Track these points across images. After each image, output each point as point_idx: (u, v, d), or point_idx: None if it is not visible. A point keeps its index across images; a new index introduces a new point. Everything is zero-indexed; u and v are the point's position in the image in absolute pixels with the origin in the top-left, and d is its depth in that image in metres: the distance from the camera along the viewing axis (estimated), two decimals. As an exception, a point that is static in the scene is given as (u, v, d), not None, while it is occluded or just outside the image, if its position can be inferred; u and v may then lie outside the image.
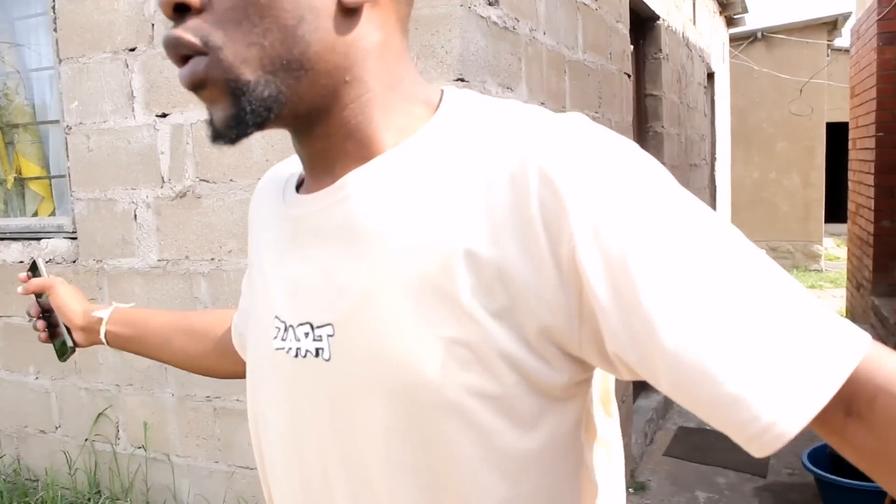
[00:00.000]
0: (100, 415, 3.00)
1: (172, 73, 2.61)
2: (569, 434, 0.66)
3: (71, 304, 1.14)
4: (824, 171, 10.73)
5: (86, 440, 3.04)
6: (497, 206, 0.59)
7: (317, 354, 0.67)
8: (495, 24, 2.36)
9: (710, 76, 7.88)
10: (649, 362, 0.57)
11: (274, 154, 2.46)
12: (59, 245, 3.02)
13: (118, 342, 1.14)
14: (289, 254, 0.72)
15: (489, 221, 0.60)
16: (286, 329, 0.70)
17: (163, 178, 2.69)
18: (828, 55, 10.50)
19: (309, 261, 0.69)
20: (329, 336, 0.66)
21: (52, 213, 3.22)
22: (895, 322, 4.93)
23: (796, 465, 3.96)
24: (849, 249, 7.36)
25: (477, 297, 0.60)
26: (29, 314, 1.17)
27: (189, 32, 0.62)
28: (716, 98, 8.27)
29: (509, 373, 0.61)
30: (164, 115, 2.65)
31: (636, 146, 0.62)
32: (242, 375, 0.91)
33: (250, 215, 0.85)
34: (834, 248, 12.42)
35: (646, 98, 4.90)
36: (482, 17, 2.27)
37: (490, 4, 2.33)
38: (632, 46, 4.20)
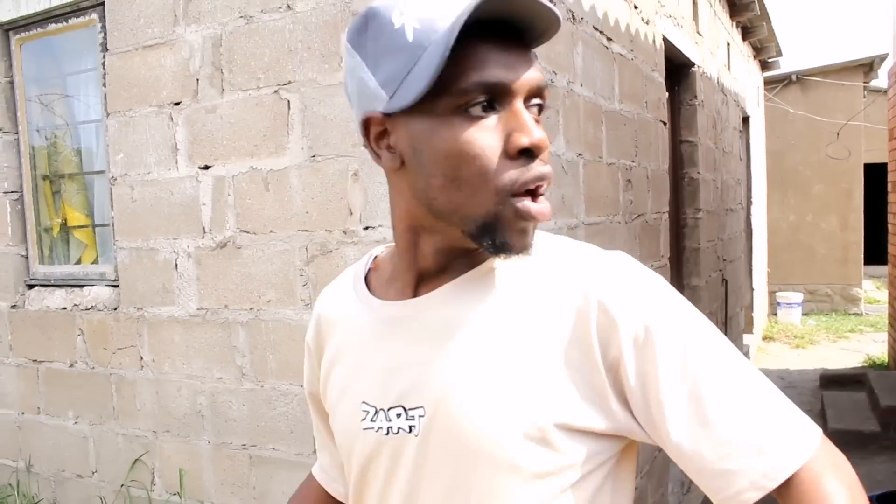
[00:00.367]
0: (136, 461, 3.02)
1: (215, 126, 2.68)
2: (595, 482, 0.83)
3: None
4: (863, 213, 10.58)
5: (122, 486, 3.06)
6: (565, 325, 0.79)
7: (409, 431, 0.83)
8: (532, 78, 2.38)
9: (746, 120, 7.85)
10: (659, 438, 0.79)
11: (314, 206, 2.50)
12: (101, 292, 3.08)
13: None
14: (375, 348, 0.88)
15: (558, 335, 0.79)
16: (376, 412, 0.86)
17: (204, 228, 2.74)
18: (864, 96, 10.41)
19: (400, 354, 0.85)
20: (420, 416, 0.82)
21: (95, 261, 3.28)
22: (941, 371, 4.81)
23: None
24: (890, 293, 7.21)
25: (547, 391, 0.79)
26: None
27: (547, 170, 0.79)
28: (751, 142, 8.23)
29: (566, 444, 0.79)
30: (206, 168, 2.71)
31: (662, 279, 0.84)
32: None
33: (315, 339, 1.00)
34: (874, 291, 12.18)
35: (681, 144, 4.90)
36: (520, 72, 2.30)
37: (527, 60, 2.36)
38: (667, 94, 4.21)
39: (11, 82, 3.34)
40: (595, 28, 2.95)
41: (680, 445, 0.77)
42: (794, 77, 10.44)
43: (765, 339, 8.94)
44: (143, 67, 2.82)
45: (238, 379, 2.73)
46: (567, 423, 0.79)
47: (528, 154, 0.76)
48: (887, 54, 8.52)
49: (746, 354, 6.79)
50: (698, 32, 5.04)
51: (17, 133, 3.38)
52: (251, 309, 2.67)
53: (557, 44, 2.56)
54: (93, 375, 3.11)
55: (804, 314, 10.13)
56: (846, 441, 4.87)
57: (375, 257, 0.99)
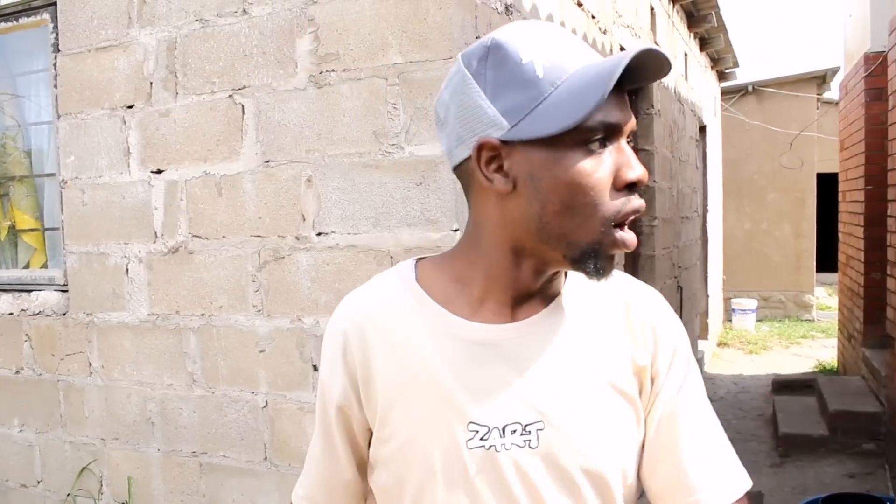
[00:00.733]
0: (84, 469, 2.96)
1: (168, 130, 2.65)
2: None
3: None
4: (815, 222, 10.82)
5: (68, 495, 3.00)
6: (634, 335, 0.94)
7: (524, 445, 0.90)
8: (487, 87, 2.40)
9: (702, 129, 7.98)
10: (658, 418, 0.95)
11: (267, 211, 2.48)
12: (49, 297, 3.02)
13: None
14: (476, 368, 0.91)
15: (636, 347, 0.94)
16: (489, 431, 0.90)
17: (156, 233, 2.71)
18: (817, 108, 10.65)
19: (509, 374, 0.91)
20: (539, 430, 0.90)
21: (45, 266, 3.22)
22: (886, 374, 4.93)
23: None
24: (840, 301, 7.38)
25: (641, 394, 0.94)
26: None
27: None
28: (708, 151, 8.37)
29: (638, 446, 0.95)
30: (159, 172, 2.68)
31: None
32: None
33: (356, 354, 0.96)
34: (826, 298, 12.45)
35: (638, 153, 4.95)
36: (474, 81, 2.31)
37: (482, 69, 2.37)
38: (623, 103, 4.26)
39: (-41, 81, 3.27)
40: (551, 38, 2.97)
41: (655, 453, 0.94)
42: (750, 88, 10.64)
43: (720, 345, 9.09)
44: (95, 69, 2.78)
45: (189, 385, 2.69)
46: (639, 430, 0.94)
47: (632, 187, 0.85)
48: (839, 68, 8.74)
49: (701, 361, 6.91)
50: (656, 42, 5.11)
51: (-36, 133, 3.30)
52: (203, 315, 2.64)
53: (513, 53, 2.58)
54: (40, 382, 3.05)
55: (758, 320, 10.31)
56: (796, 444, 4.97)
57: (415, 270, 0.98)
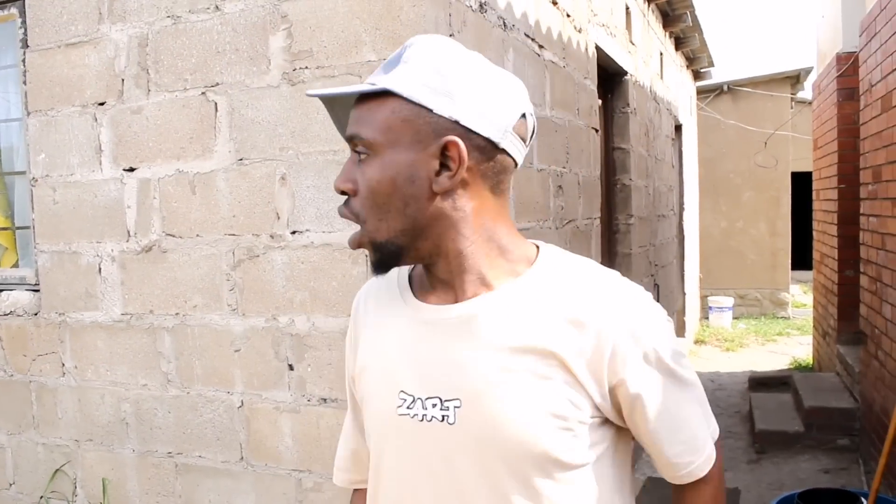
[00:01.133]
0: (57, 471, 2.92)
1: (141, 127, 2.62)
2: (605, 460, 1.03)
3: None
4: (790, 220, 10.93)
5: (41, 497, 2.96)
6: (573, 335, 0.96)
7: (442, 420, 0.98)
8: (462, 84, 2.39)
9: (678, 128, 8.04)
10: (635, 431, 1.04)
11: (241, 209, 2.46)
12: (20, 297, 2.98)
13: None
14: (416, 345, 1.02)
15: (569, 343, 0.96)
16: (414, 400, 1.00)
17: (128, 231, 2.68)
18: (791, 107, 10.77)
19: (437, 352, 1.00)
20: (456, 408, 0.97)
21: (16, 265, 3.18)
22: (860, 370, 4.99)
23: (764, 518, 3.96)
24: (814, 298, 7.47)
25: (565, 385, 0.96)
26: None
27: (348, 209, 0.99)
28: (683, 150, 8.43)
29: (584, 433, 0.98)
30: (131, 170, 2.65)
31: (650, 296, 1.04)
32: None
33: (360, 317, 1.15)
34: (801, 296, 12.59)
35: (614, 151, 4.99)
36: (449, 78, 2.31)
37: (457, 66, 2.37)
38: (600, 101, 4.29)
39: (-74, 79, 3.21)
40: (527, 35, 2.98)
41: (651, 436, 1.03)
42: (725, 87, 10.74)
43: (697, 342, 9.16)
44: (65, 66, 2.75)
45: (163, 385, 2.67)
46: (582, 418, 0.97)
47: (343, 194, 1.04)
48: (812, 68, 8.84)
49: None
50: (631, 42, 5.14)
51: (-68, 131, 3.24)
52: (177, 314, 2.62)
53: (488, 50, 2.59)
54: (11, 383, 3.00)
55: (735, 318, 10.41)
56: (772, 441, 5.02)
57: None
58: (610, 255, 4.86)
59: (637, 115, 5.23)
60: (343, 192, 0.99)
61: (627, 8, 5.02)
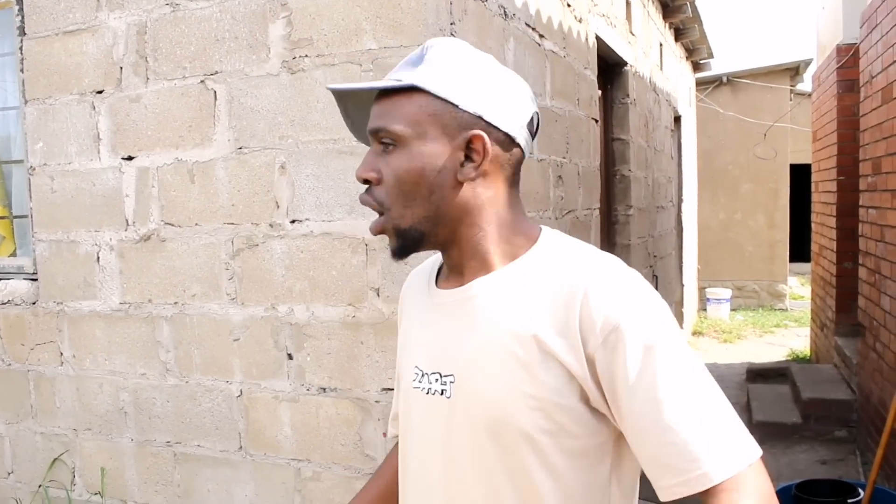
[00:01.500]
0: (55, 460, 2.92)
1: (139, 116, 2.61)
2: (595, 455, 1.02)
3: None
4: (788, 212, 10.93)
5: (39, 486, 2.96)
6: (558, 315, 0.98)
7: (441, 393, 1.06)
8: (463, 73, 2.38)
9: (677, 120, 8.03)
10: (622, 426, 0.98)
11: (240, 198, 2.45)
12: (18, 286, 2.97)
13: None
14: (428, 326, 1.12)
15: (554, 323, 0.98)
16: (423, 375, 1.10)
17: (127, 220, 2.67)
18: (791, 99, 10.76)
19: (442, 332, 1.09)
20: (451, 382, 1.05)
21: (14, 254, 3.17)
22: (858, 362, 5.00)
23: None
24: (812, 290, 7.47)
25: (542, 367, 0.98)
26: None
27: (371, 197, 1.05)
28: (682, 141, 8.42)
29: (560, 416, 0.98)
30: (130, 158, 2.64)
31: (644, 287, 1.01)
32: None
33: (402, 303, 1.26)
34: (798, 288, 12.60)
35: (613, 142, 4.98)
36: (450, 67, 2.30)
37: (458, 54, 2.36)
38: (599, 92, 4.27)
39: (-77, 66, 3.20)
40: (527, 24, 2.97)
41: (634, 437, 0.96)
42: (724, 79, 10.71)
43: (694, 333, 9.17)
44: (63, 54, 2.73)
45: (162, 375, 2.66)
46: (560, 401, 0.98)
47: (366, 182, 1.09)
48: (812, 60, 8.82)
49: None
50: (631, 32, 5.13)
51: (-71, 119, 3.23)
52: (175, 303, 2.61)
53: (488, 39, 2.58)
54: (9, 372, 3.00)
55: (732, 309, 10.41)
56: (770, 432, 5.03)
57: None
58: (609, 246, 4.86)
59: (637, 105, 5.22)
60: (366, 182, 1.05)
61: (628, -2, 5.00)
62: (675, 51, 7.63)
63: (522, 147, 1.07)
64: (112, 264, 2.72)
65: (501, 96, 1.04)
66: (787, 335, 9.14)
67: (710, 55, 9.14)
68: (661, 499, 0.95)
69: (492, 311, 1.03)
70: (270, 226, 2.42)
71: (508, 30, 2.77)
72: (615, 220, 4.99)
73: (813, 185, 7.24)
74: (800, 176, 11.65)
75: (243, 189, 2.45)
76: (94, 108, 2.69)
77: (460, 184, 1.03)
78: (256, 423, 2.52)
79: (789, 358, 7.56)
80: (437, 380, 1.07)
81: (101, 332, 2.77)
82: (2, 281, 3.03)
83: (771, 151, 10.32)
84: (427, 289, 1.17)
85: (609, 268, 1.02)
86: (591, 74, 3.98)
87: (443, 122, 1.01)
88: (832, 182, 6.12)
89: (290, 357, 2.44)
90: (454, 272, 1.11)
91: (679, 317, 8.09)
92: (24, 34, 2.81)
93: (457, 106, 1.01)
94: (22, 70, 2.84)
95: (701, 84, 10.49)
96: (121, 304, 2.72)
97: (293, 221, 2.38)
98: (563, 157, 3.41)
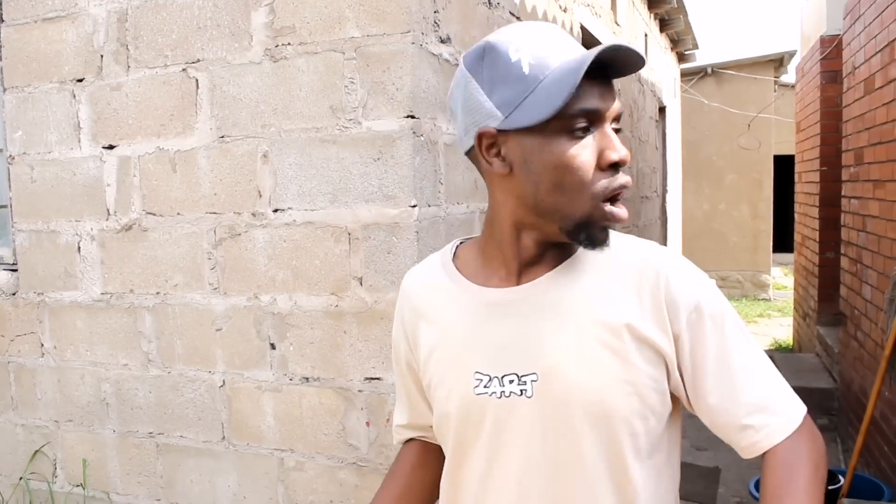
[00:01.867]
0: (36, 452, 2.90)
1: (120, 104, 2.58)
2: (673, 436, 1.09)
3: None
4: (772, 203, 11.00)
5: (20, 479, 2.94)
6: (644, 301, 1.01)
7: (521, 394, 1.03)
8: (447, 61, 2.38)
9: (662, 110, 8.04)
10: (696, 398, 1.04)
11: (222, 187, 2.44)
12: (-2, 276, 2.94)
13: None
14: (484, 326, 1.06)
15: (640, 308, 1.01)
16: (491, 379, 1.05)
17: (108, 210, 2.64)
18: (775, 90, 10.81)
19: (510, 331, 1.04)
20: (533, 381, 1.02)
21: (-7, 244, 3.13)
22: (839, 351, 5.04)
23: (743, 493, 4.01)
24: (795, 280, 7.53)
25: (637, 353, 1.00)
26: None
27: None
28: (667, 131, 8.44)
29: (653, 397, 1.02)
30: (111, 147, 2.61)
31: (701, 271, 1.07)
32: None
33: (410, 304, 1.18)
34: (782, 278, 12.70)
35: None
36: (433, 54, 2.29)
37: (442, 42, 2.35)
38: (584, 82, 4.26)
39: None
40: (511, 13, 2.96)
41: (714, 405, 1.02)
42: (709, 70, 10.75)
43: (679, 323, 9.21)
44: (42, 41, 2.69)
45: (144, 365, 2.65)
46: (652, 384, 1.01)
47: (615, 167, 0.96)
48: (796, 51, 8.86)
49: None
50: (616, 22, 5.12)
51: None
52: (157, 293, 2.59)
53: (472, 27, 2.57)
54: (-11, 363, 2.97)
55: (717, 300, 10.46)
56: (751, 421, 5.06)
57: (456, 248, 1.17)
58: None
59: (621, 96, 5.23)
60: (624, 164, 1.03)
61: (612, -12, 4.99)
62: (659, 41, 7.64)
63: None
64: (93, 254, 2.69)
65: None
66: (770, 325, 9.21)
67: (695, 46, 9.16)
68: (745, 456, 1.05)
69: (573, 304, 1.03)
70: (253, 215, 2.40)
71: (493, 19, 2.76)
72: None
73: (796, 176, 7.28)
74: (784, 167, 11.73)
75: (225, 178, 2.44)
76: (75, 96, 2.66)
77: None
78: (239, 414, 2.51)
79: (772, 347, 7.62)
80: (511, 381, 1.04)
81: (83, 323, 2.75)
82: (-19, 271, 2.99)
83: (755, 142, 10.38)
84: (456, 288, 1.12)
85: (667, 251, 1.07)
86: (576, 64, 3.97)
87: None
88: (815, 172, 6.16)
89: (272, 347, 2.43)
90: (502, 268, 1.08)
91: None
92: (3, 21, 2.76)
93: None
94: (0, 58, 2.80)
95: (686, 75, 10.51)
96: (102, 294, 2.70)
97: (276, 210, 2.37)
98: (548, 147, 3.41)
